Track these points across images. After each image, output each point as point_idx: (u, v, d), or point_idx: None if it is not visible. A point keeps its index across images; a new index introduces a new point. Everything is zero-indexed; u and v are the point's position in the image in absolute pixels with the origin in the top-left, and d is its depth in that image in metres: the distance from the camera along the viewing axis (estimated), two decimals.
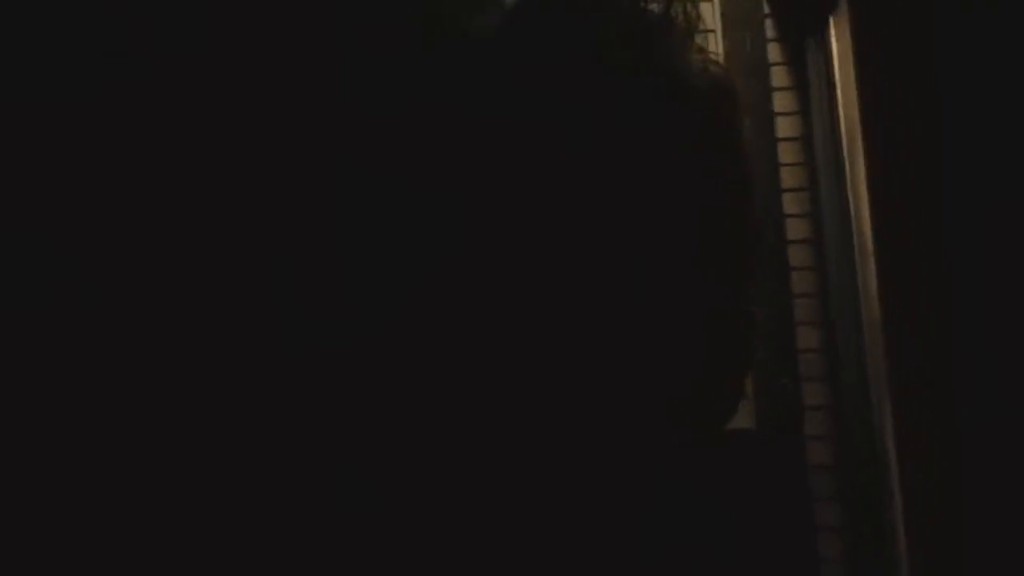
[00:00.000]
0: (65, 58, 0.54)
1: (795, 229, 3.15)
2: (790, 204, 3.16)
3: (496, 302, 0.53)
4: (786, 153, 3.20)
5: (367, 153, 0.53)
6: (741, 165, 0.59)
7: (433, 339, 0.53)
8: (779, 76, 3.25)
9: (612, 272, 0.53)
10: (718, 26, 3.63)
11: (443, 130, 0.53)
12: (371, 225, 0.53)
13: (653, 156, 0.55)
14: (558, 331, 0.53)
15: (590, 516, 0.55)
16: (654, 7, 0.58)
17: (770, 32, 3.29)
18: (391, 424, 0.54)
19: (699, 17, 0.59)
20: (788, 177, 3.18)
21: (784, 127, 3.22)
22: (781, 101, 3.24)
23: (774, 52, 3.27)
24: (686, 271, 0.56)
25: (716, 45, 3.63)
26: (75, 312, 0.53)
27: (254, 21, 0.54)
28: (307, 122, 0.54)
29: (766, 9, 3.29)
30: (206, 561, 0.53)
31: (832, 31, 3.03)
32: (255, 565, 0.53)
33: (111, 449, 0.53)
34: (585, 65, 0.54)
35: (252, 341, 0.54)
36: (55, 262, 0.53)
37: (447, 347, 0.53)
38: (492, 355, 0.53)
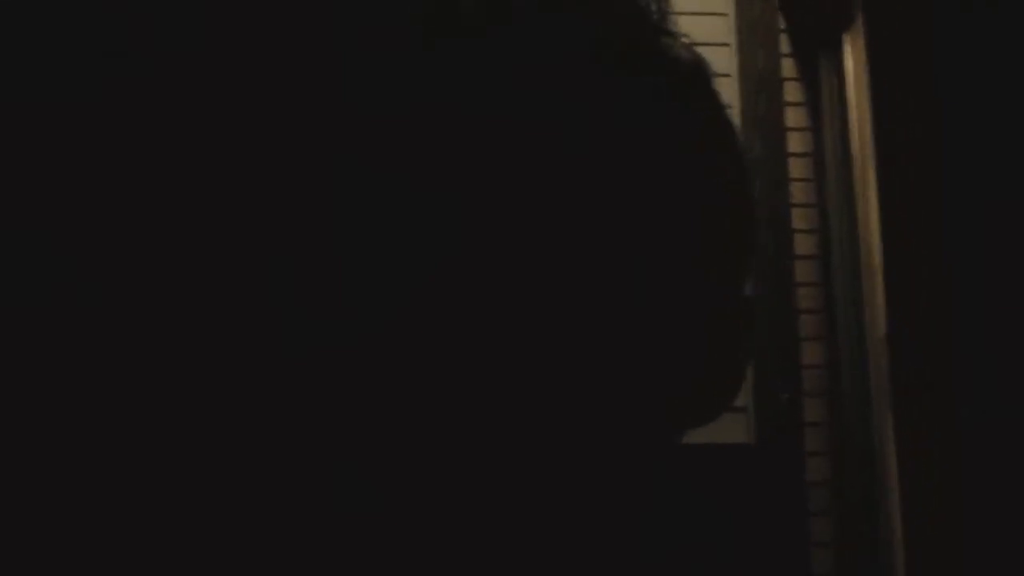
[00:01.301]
0: (65, 58, 0.55)
1: (802, 244, 3.14)
2: (798, 219, 3.16)
3: (496, 302, 0.53)
4: (796, 168, 3.20)
5: (366, 153, 0.54)
6: (738, 162, 0.60)
7: (433, 339, 0.54)
8: (792, 91, 3.25)
9: (612, 272, 0.54)
10: (733, 40, 3.63)
11: (442, 130, 0.54)
12: (371, 225, 0.54)
13: (653, 156, 0.55)
14: (558, 331, 0.53)
15: (589, 518, 0.56)
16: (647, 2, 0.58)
17: (784, 47, 3.28)
18: (390, 424, 0.54)
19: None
20: (797, 192, 3.18)
21: (795, 142, 3.22)
22: (793, 116, 3.24)
23: (787, 67, 3.27)
24: (687, 271, 0.56)
25: (730, 59, 3.63)
26: (75, 312, 0.53)
27: (253, 21, 0.54)
28: (306, 122, 0.54)
29: (781, 24, 3.29)
30: (205, 561, 0.53)
31: (846, 48, 3.03)
32: (254, 565, 0.54)
33: (110, 448, 0.53)
34: (584, 64, 0.55)
35: (251, 341, 0.54)
36: (55, 262, 0.53)
37: (447, 347, 0.54)
38: (492, 355, 0.53)
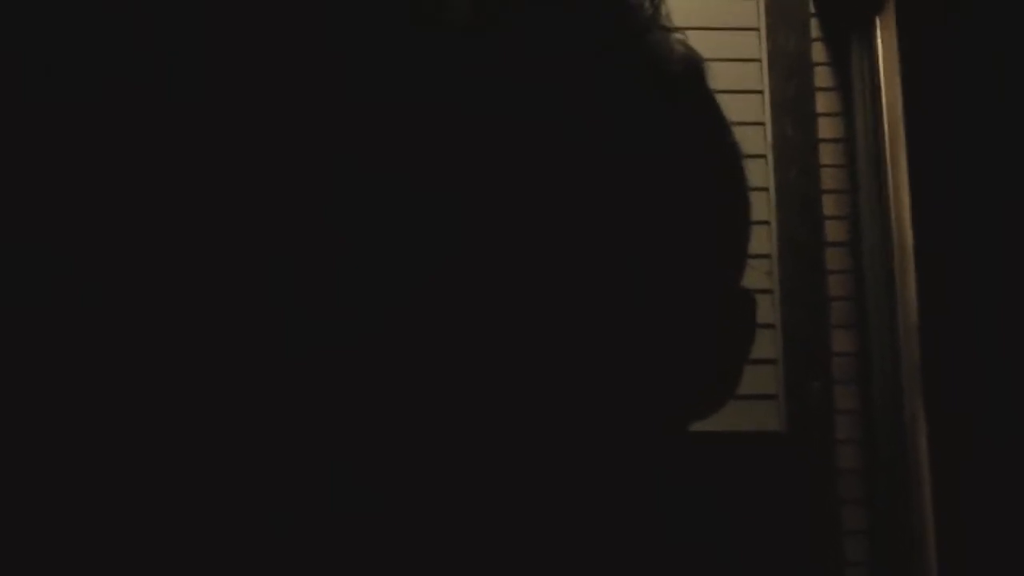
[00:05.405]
0: (65, 58, 0.55)
1: (834, 231, 3.12)
2: (829, 206, 3.14)
3: (497, 301, 0.53)
4: (827, 155, 3.18)
5: (366, 153, 0.54)
6: (730, 157, 0.60)
7: (433, 339, 0.53)
8: (822, 76, 3.23)
9: (611, 268, 0.54)
10: (762, 24, 3.60)
11: (442, 129, 0.53)
12: (371, 225, 0.54)
13: (647, 154, 0.55)
14: (559, 329, 0.53)
15: (598, 516, 0.55)
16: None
17: (815, 32, 3.26)
18: (390, 424, 0.54)
19: None
20: (828, 179, 3.16)
21: (826, 128, 3.20)
22: (824, 102, 3.21)
23: (818, 52, 3.25)
24: (682, 265, 0.56)
25: (760, 43, 3.61)
26: (75, 312, 0.53)
27: (252, 22, 0.54)
28: (306, 122, 0.54)
29: (811, 8, 3.27)
30: (205, 561, 0.54)
31: (877, 32, 3.01)
32: (253, 565, 0.54)
33: (111, 449, 0.54)
34: (581, 63, 0.54)
35: (252, 341, 0.54)
36: (55, 262, 0.54)
37: (447, 347, 0.53)
38: (493, 354, 0.53)
